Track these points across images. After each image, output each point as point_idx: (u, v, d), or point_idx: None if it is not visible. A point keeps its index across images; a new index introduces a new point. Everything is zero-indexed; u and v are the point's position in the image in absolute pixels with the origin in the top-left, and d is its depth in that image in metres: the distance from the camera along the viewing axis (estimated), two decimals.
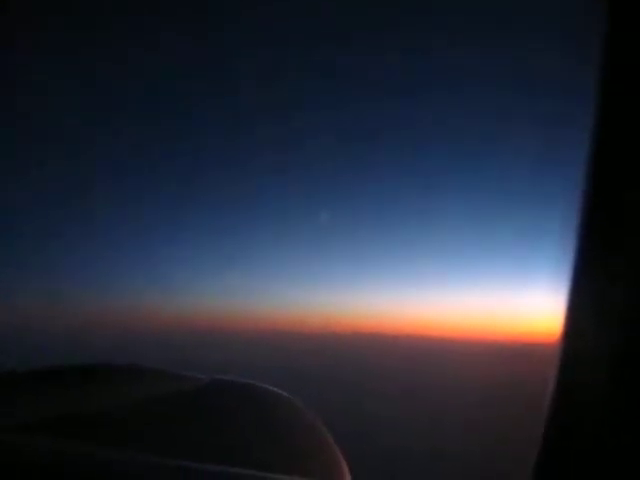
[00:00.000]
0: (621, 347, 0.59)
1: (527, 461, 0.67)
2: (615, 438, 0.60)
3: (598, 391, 0.60)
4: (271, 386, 2.49)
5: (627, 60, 0.60)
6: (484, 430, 17.91)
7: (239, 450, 1.95)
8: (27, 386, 1.82)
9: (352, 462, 2.32)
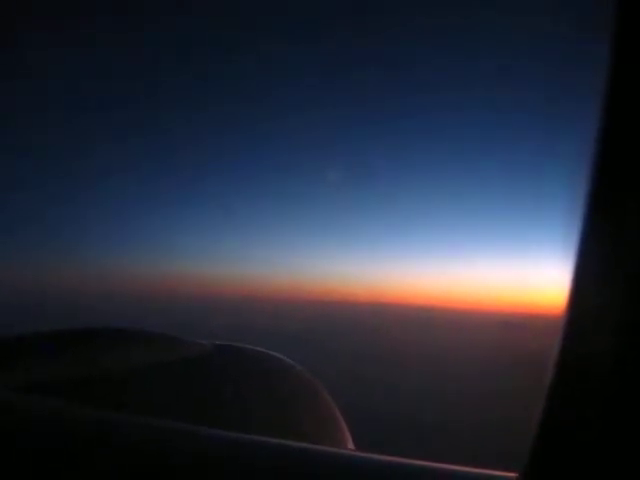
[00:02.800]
0: (625, 320, 0.58)
1: (528, 431, 0.67)
2: (618, 411, 0.59)
3: (601, 363, 0.60)
4: (275, 353, 2.51)
5: (636, 54, 0.58)
6: (486, 400, 18.17)
7: (242, 415, 1.98)
8: (34, 349, 1.84)
9: (354, 429, 2.36)
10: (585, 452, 0.62)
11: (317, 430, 2.18)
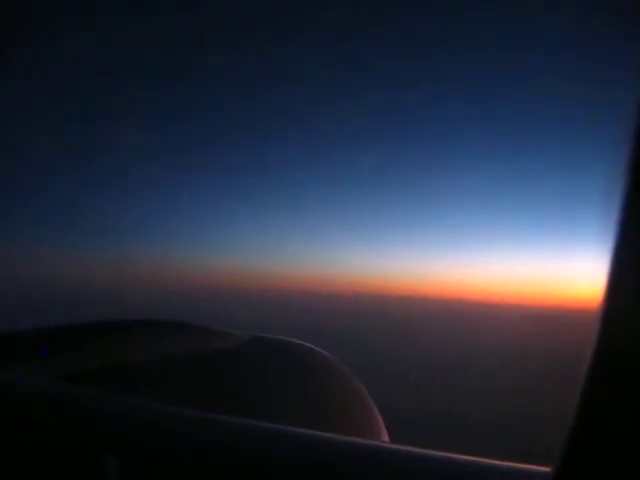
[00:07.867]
0: None
1: (562, 430, 0.66)
2: None
3: (636, 360, 0.59)
4: (309, 344, 2.53)
5: None
6: (518, 395, 17.87)
7: (279, 405, 2.01)
8: (72, 340, 1.90)
9: (388, 421, 2.36)
10: (619, 449, 0.62)
11: (353, 421, 2.19)
